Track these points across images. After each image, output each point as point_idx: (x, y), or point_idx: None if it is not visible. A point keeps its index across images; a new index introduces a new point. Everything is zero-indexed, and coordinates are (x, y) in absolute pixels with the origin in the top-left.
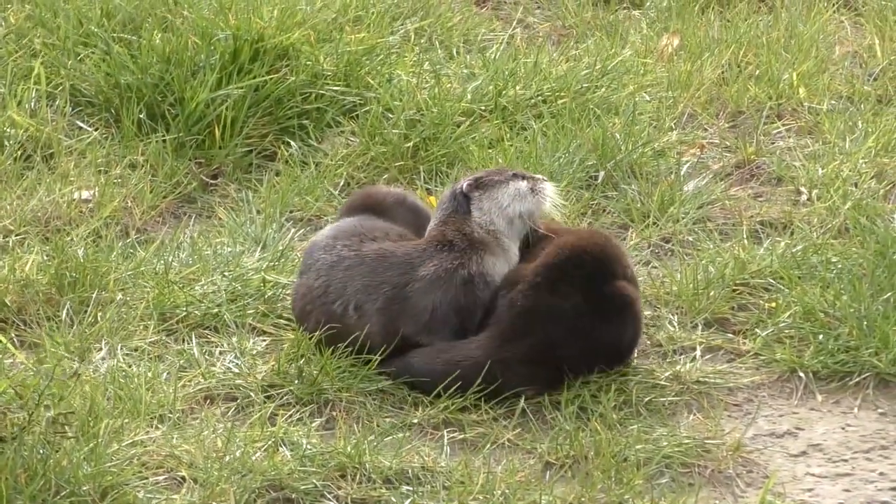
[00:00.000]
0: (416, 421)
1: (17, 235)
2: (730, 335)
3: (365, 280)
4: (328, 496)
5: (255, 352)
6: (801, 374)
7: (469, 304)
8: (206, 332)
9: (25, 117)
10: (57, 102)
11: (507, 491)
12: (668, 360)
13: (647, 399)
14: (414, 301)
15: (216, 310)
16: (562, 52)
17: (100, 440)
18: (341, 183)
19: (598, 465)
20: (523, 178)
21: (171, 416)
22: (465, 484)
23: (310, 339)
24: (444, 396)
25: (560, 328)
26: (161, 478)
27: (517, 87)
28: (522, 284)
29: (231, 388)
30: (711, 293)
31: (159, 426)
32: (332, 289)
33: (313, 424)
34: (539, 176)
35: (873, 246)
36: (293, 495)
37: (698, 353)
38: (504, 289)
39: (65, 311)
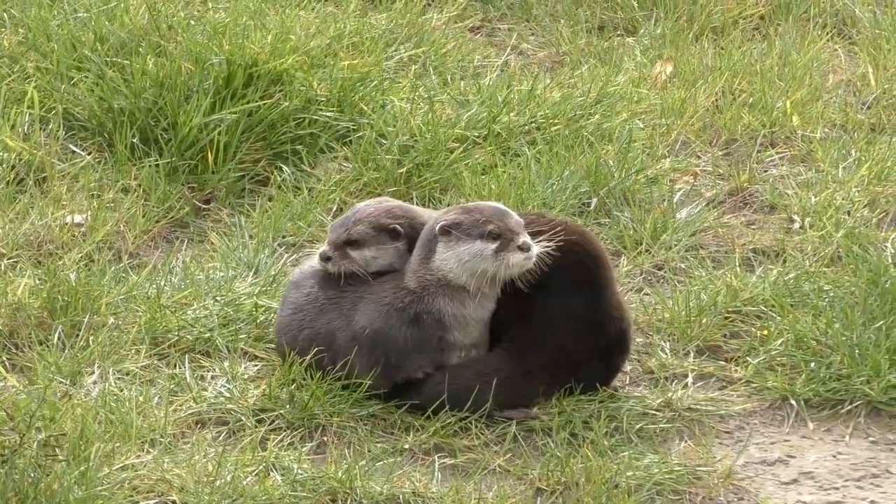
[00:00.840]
0: (406, 446)
1: (9, 259)
2: (722, 362)
3: (340, 327)
4: None
5: (246, 376)
6: (793, 402)
7: (415, 346)
8: (198, 356)
9: (18, 141)
10: (50, 126)
11: None
12: (659, 386)
13: (638, 426)
14: (368, 348)
15: (208, 334)
16: (556, 79)
17: (91, 464)
18: (334, 208)
19: (589, 491)
20: (497, 237)
21: (162, 440)
22: None
23: (301, 363)
24: (440, 419)
25: (574, 327)
26: (152, 502)
27: (511, 114)
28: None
29: (222, 413)
30: (703, 320)
31: (150, 450)
32: (316, 335)
33: (304, 449)
34: (521, 239)
35: (865, 274)
36: None
37: (690, 380)
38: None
39: (56, 335)
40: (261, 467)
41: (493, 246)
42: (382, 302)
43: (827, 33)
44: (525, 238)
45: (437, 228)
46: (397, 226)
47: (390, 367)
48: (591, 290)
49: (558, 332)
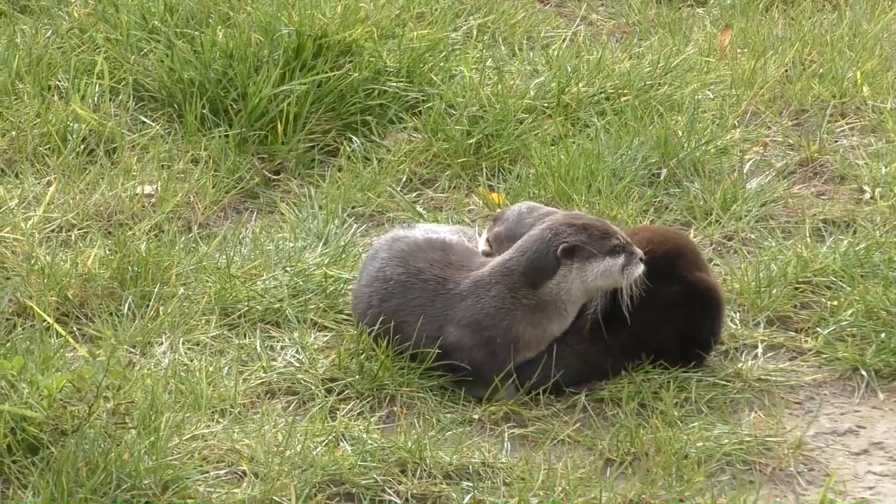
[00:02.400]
0: (476, 416)
1: (79, 229)
2: (792, 333)
3: (408, 321)
4: (388, 491)
5: (316, 346)
6: (863, 373)
7: (488, 363)
8: (268, 326)
9: (89, 111)
10: (120, 97)
11: (567, 487)
12: (729, 357)
13: (708, 396)
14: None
15: (278, 305)
16: (625, 50)
17: (161, 434)
18: (403, 179)
19: (658, 462)
20: (622, 251)
21: (232, 410)
22: (525, 480)
23: (369, 333)
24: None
25: (658, 315)
26: (222, 472)
27: (580, 85)
28: None
29: (292, 383)
30: (774, 291)
31: (220, 420)
32: (382, 314)
33: (373, 419)
34: (637, 250)
35: None
36: (354, 490)
37: (760, 350)
38: None
39: (126, 306)
40: (330, 437)
41: (621, 261)
42: (460, 320)
43: None
44: (638, 248)
45: (559, 251)
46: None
47: (458, 380)
48: (680, 276)
49: (644, 311)
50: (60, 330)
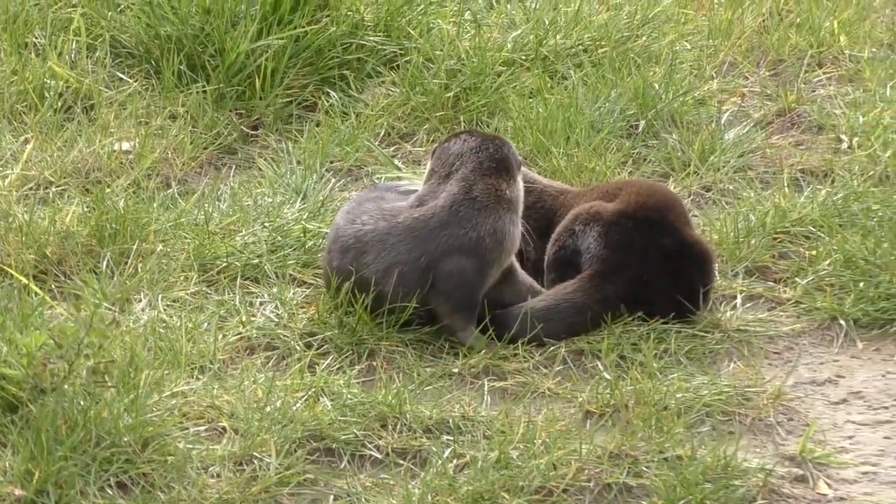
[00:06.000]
0: (455, 370)
1: (57, 187)
2: (770, 283)
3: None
4: (369, 446)
5: (295, 302)
6: (842, 322)
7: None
8: (247, 282)
9: (66, 69)
10: (97, 54)
11: (547, 440)
12: (708, 308)
13: (687, 348)
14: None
15: (256, 260)
16: (602, 1)
17: (140, 391)
18: (381, 133)
19: (638, 413)
20: None
21: (211, 366)
22: (505, 433)
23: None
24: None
25: (653, 267)
26: (202, 428)
27: (558, 37)
28: (613, 220)
29: (271, 338)
30: (752, 242)
31: (200, 377)
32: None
33: (353, 373)
34: None
35: None
36: (334, 445)
37: (739, 301)
38: (582, 223)
39: (105, 263)
40: (310, 392)
41: None
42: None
43: None
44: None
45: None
46: None
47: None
48: (672, 228)
49: (639, 262)
50: (37, 289)
